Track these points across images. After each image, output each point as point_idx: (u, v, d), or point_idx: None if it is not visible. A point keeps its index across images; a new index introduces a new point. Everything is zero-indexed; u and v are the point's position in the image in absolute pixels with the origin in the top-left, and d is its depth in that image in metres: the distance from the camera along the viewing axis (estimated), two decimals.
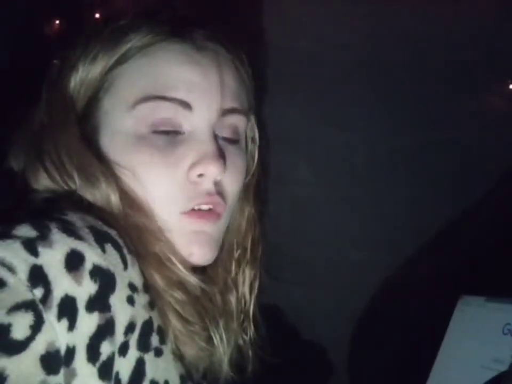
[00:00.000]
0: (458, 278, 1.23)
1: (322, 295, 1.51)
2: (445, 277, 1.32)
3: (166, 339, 0.60)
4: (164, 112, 0.62)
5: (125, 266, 0.55)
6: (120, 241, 0.56)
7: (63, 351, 0.49)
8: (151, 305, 0.58)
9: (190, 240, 0.65)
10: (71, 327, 0.49)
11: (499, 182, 1.38)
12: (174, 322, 0.62)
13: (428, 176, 1.47)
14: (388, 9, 1.46)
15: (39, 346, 0.47)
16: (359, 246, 1.50)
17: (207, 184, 0.64)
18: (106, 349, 0.51)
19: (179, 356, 0.63)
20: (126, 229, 0.59)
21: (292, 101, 1.50)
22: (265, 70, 1.48)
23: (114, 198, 0.60)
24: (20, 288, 0.48)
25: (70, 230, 0.52)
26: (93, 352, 0.50)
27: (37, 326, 0.47)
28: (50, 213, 0.55)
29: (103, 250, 0.53)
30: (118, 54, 0.62)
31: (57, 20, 1.39)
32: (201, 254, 0.66)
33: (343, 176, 1.52)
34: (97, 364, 0.51)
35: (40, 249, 0.50)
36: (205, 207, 0.65)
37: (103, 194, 0.60)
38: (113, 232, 0.56)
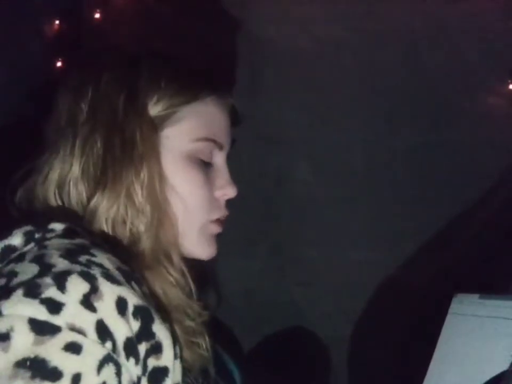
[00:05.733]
0: (457, 277, 1.23)
1: (322, 295, 1.52)
2: (445, 276, 1.32)
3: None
4: (211, 148, 0.81)
5: (145, 296, 0.64)
6: (138, 276, 0.66)
7: (135, 380, 0.60)
8: (164, 320, 0.67)
9: (210, 240, 0.82)
10: (137, 361, 0.60)
11: (499, 182, 1.38)
12: (179, 332, 0.72)
13: (428, 176, 1.47)
14: (387, 9, 1.46)
15: None
16: (359, 246, 1.50)
17: (223, 201, 0.85)
18: (150, 363, 0.62)
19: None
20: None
21: (292, 101, 1.51)
22: (265, 70, 1.49)
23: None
24: (95, 347, 0.57)
25: (110, 276, 0.61)
26: (144, 368, 0.62)
27: (119, 371, 0.58)
28: (82, 253, 0.62)
29: (134, 289, 0.62)
30: (187, 97, 0.79)
31: (57, 20, 1.41)
32: (213, 250, 0.83)
33: (343, 176, 1.52)
34: (146, 374, 0.62)
35: (95, 304, 0.58)
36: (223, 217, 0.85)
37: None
38: (129, 269, 0.65)
